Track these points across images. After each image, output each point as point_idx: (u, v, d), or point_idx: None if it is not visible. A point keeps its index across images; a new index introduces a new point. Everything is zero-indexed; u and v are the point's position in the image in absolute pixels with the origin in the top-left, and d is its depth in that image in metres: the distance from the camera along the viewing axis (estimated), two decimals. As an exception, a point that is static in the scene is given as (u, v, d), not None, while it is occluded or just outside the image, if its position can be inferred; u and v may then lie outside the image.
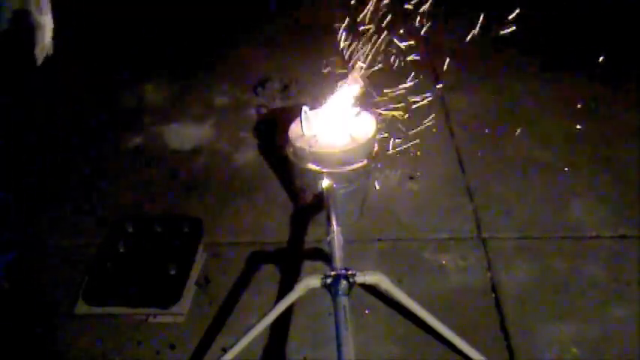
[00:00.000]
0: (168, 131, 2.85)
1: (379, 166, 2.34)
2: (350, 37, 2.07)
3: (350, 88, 2.02)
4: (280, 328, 1.84)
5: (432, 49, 3.13)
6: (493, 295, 1.95)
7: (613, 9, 3.41)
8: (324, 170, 1.98)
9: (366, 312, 1.90)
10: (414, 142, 2.42)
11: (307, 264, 2.08)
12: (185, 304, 1.95)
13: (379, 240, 2.19)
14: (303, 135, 2.04)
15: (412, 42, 2.24)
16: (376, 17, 2.12)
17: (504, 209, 2.28)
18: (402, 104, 2.18)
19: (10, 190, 2.03)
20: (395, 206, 2.34)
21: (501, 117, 2.80)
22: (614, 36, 3.21)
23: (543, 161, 2.52)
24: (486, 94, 2.99)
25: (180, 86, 3.19)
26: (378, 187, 2.36)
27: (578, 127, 2.66)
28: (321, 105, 2.09)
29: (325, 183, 1.96)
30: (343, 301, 1.43)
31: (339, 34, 2.07)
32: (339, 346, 1.31)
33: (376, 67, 2.04)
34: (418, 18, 2.24)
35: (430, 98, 2.36)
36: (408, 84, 2.22)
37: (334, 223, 1.67)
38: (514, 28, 2.37)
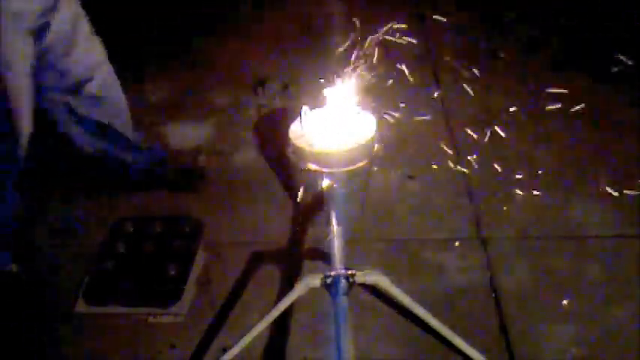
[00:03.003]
0: (168, 131, 2.84)
1: (379, 166, 2.34)
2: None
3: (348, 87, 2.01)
4: (280, 327, 1.84)
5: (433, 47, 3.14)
6: (493, 295, 1.95)
7: (613, 8, 3.41)
8: (324, 170, 1.97)
9: (366, 312, 1.90)
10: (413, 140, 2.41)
11: (307, 264, 2.08)
12: (185, 304, 1.95)
13: (379, 240, 2.19)
14: (303, 135, 2.03)
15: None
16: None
17: (504, 209, 2.28)
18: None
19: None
20: (395, 206, 2.34)
21: (501, 117, 2.80)
22: (614, 35, 3.20)
23: (543, 161, 2.51)
24: (486, 93, 2.98)
25: (180, 86, 3.19)
26: (377, 187, 2.35)
27: (578, 126, 2.66)
28: (320, 105, 2.08)
29: (325, 183, 1.96)
30: (343, 300, 1.43)
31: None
32: (338, 346, 1.31)
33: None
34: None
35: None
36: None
37: (334, 223, 1.67)
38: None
